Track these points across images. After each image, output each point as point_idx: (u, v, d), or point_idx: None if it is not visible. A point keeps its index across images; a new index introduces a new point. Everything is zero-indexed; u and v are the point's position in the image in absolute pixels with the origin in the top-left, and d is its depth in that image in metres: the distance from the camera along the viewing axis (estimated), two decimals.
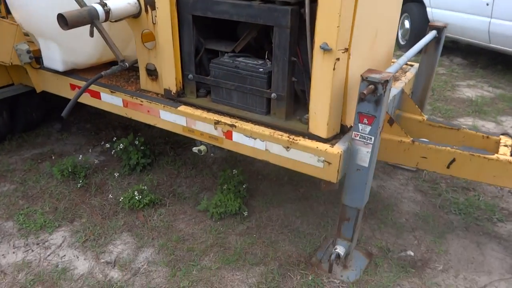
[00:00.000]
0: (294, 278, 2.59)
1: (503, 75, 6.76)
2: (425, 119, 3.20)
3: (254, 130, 2.48)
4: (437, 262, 2.77)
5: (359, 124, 2.23)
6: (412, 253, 2.82)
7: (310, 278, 2.58)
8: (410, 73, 3.69)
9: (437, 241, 2.94)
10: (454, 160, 2.70)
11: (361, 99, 2.16)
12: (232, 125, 2.55)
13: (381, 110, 2.16)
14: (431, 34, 3.38)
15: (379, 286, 2.54)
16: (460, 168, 2.69)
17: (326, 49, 2.14)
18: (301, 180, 3.56)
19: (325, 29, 2.10)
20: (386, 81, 2.09)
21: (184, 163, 3.77)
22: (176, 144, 4.06)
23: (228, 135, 2.59)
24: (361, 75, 2.13)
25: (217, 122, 2.61)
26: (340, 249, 2.53)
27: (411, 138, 2.76)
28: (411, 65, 4.11)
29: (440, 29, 3.43)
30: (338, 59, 2.16)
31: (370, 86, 2.11)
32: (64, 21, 2.44)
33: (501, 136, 2.92)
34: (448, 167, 2.74)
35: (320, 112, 2.30)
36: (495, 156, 2.57)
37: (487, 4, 6.27)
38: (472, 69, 7.15)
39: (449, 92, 6.10)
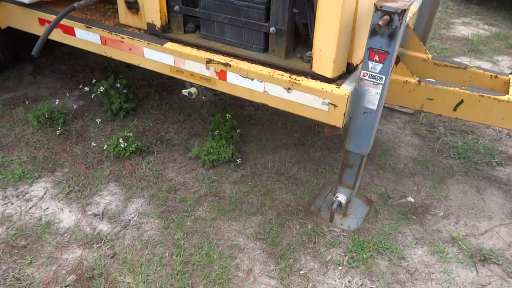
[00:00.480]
0: (293, 228, 2.47)
1: (498, 12, 6.51)
2: (430, 57, 2.99)
3: (251, 69, 2.22)
4: (438, 208, 2.69)
5: (369, 62, 2.01)
6: (412, 200, 2.73)
7: (309, 227, 2.47)
8: (414, 6, 3.40)
9: (437, 187, 2.85)
10: (462, 101, 2.53)
11: (374, 32, 1.92)
12: (226, 64, 2.28)
13: (395, 45, 1.93)
14: None
15: (380, 234, 2.45)
16: (467, 110, 2.54)
17: None
18: (295, 124, 3.37)
19: None
20: (404, 11, 1.84)
21: (170, 107, 3.51)
22: (161, 87, 3.77)
23: (222, 75, 2.33)
24: (374, 4, 1.87)
25: (209, 61, 2.34)
26: (342, 197, 2.41)
27: (417, 78, 2.57)
28: None
29: None
30: None
31: (385, 17, 1.86)
32: None
33: (510, 76, 2.74)
34: (454, 109, 2.58)
35: (326, 49, 2.05)
36: (506, 97, 2.42)
37: None
38: (467, 6, 6.85)
39: (444, 30, 5.86)
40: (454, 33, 5.77)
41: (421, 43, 3.03)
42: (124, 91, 3.33)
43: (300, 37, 2.45)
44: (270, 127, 3.35)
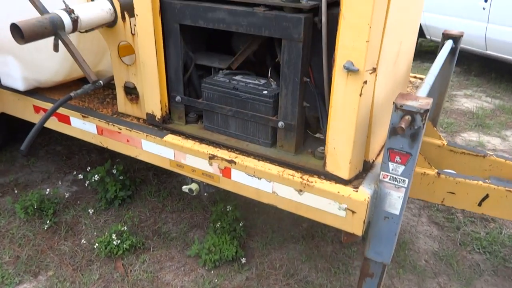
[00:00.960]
0: None
1: (499, 84, 6.52)
2: (445, 143, 2.82)
3: (258, 168, 2.03)
4: None
5: (390, 163, 1.81)
6: None
7: None
8: None
9: None
10: (487, 196, 2.32)
11: (394, 132, 1.74)
12: (230, 161, 2.09)
13: (418, 146, 1.75)
14: (448, 44, 3.01)
15: None
16: (493, 206, 2.32)
17: (351, 70, 1.71)
18: None
19: (351, 44, 1.68)
20: (426, 111, 1.68)
21: (169, 193, 3.29)
22: (160, 170, 3.57)
23: (226, 172, 2.14)
24: (394, 103, 1.71)
25: (212, 157, 2.15)
26: None
27: (436, 170, 2.37)
28: (420, 79, 3.76)
29: (456, 38, 3.07)
30: (365, 82, 1.74)
31: (407, 117, 1.69)
32: (20, 34, 1.94)
33: None
34: (479, 204, 2.36)
35: (341, 148, 1.87)
36: None
37: (484, 9, 5.99)
38: (466, 77, 6.89)
39: (448, 103, 5.80)
40: (457, 106, 5.72)
41: (434, 128, 2.88)
42: (121, 177, 3.13)
43: (310, 127, 2.30)
44: (276, 216, 3.10)
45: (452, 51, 3.07)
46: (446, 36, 3.07)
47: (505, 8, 5.72)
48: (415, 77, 3.73)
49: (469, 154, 2.74)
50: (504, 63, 6.27)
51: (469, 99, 5.96)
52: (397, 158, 1.80)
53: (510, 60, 5.98)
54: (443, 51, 2.85)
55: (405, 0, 2.03)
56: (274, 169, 2.01)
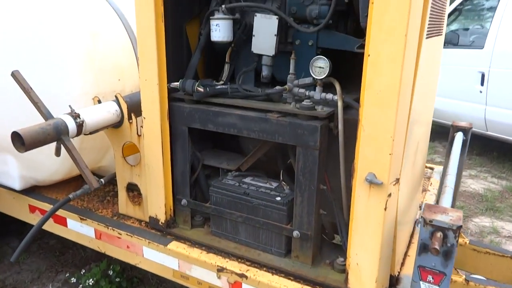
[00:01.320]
0: None
1: (502, 163, 6.46)
2: (467, 242, 2.64)
3: (272, 284, 1.83)
4: None
5: (421, 283, 1.63)
6: None
7: None
8: (435, 180, 3.22)
9: None
10: None
11: (425, 249, 1.59)
12: (241, 275, 1.90)
13: (452, 264, 1.58)
14: (459, 137, 2.94)
15: None
16: None
17: (374, 183, 1.59)
18: None
19: (372, 156, 1.58)
20: (459, 227, 1.54)
21: None
22: None
23: (237, 287, 1.93)
24: (422, 217, 1.57)
25: (220, 269, 1.95)
26: None
27: (464, 276, 2.17)
28: (431, 168, 3.68)
29: (466, 130, 3.02)
30: (389, 195, 1.61)
31: (438, 234, 1.55)
32: (21, 141, 1.85)
33: None
34: None
35: (365, 265, 1.69)
36: None
37: (481, 92, 6.12)
38: (469, 156, 6.84)
39: None
40: (464, 187, 5.59)
41: None
42: (117, 279, 2.89)
43: (325, 232, 2.13)
44: None
45: (463, 143, 3.01)
46: (455, 129, 3.02)
47: (501, 91, 5.86)
48: (425, 166, 3.64)
49: (494, 255, 2.56)
50: (505, 142, 6.28)
51: (475, 180, 5.86)
52: (430, 278, 1.62)
53: (511, 141, 5.99)
54: (456, 145, 2.77)
55: (422, 101, 1.98)
56: (291, 285, 1.81)
